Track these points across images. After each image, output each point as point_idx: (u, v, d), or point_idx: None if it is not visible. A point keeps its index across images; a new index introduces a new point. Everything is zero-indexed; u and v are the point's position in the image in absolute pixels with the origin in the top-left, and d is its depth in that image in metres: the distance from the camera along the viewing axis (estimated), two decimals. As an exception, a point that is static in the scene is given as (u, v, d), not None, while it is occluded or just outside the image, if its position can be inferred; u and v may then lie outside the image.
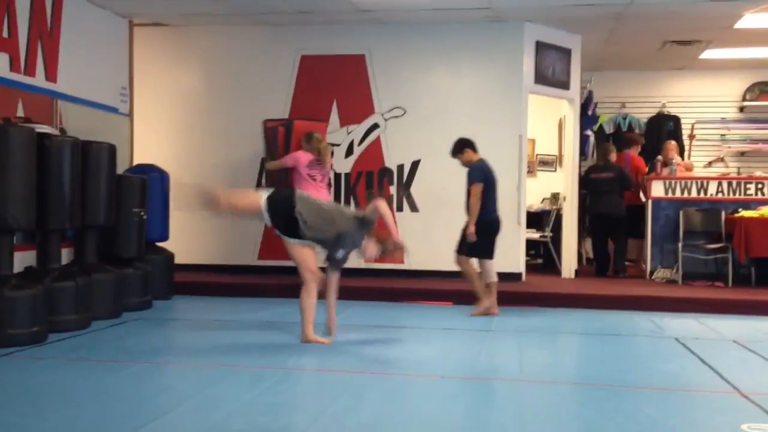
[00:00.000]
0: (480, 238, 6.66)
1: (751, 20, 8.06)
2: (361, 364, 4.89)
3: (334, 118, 8.77)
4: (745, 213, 8.21)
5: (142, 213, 6.93)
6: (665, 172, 9.29)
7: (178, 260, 7.78)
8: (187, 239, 8.37)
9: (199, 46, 9.03)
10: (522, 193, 8.45)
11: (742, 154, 10.91)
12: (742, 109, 10.98)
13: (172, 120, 9.04)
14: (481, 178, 6.72)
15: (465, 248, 6.76)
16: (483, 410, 3.84)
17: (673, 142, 9.79)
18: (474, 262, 6.86)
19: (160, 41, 8.99)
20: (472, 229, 6.66)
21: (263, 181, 8.76)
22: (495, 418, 3.67)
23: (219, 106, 8.94)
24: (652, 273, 8.78)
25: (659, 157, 9.56)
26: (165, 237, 7.60)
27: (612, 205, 9.05)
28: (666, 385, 4.38)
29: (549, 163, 11.12)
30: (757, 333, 6.17)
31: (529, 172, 10.01)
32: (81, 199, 6.03)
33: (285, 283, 7.92)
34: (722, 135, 11.00)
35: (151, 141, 8.80)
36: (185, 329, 6.40)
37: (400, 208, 8.64)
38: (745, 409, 3.80)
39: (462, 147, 6.88)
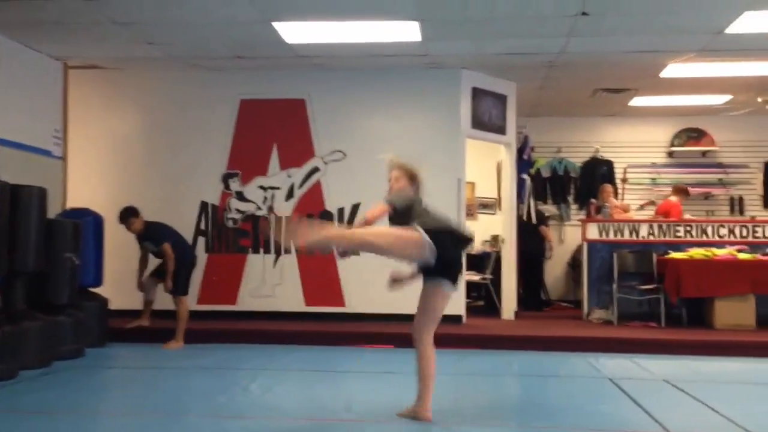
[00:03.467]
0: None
1: (675, 70, 8.44)
2: (296, 409, 4.83)
3: (274, 161, 8.78)
4: (675, 255, 8.47)
5: (75, 258, 6.76)
6: (600, 215, 9.56)
7: (113, 306, 7.60)
8: (123, 284, 8.18)
9: (136, 90, 8.97)
10: (461, 236, 8.52)
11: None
12: (671, 154, 11.41)
13: (107, 163, 8.90)
14: (168, 237, 7.36)
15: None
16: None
17: (609, 186, 10.10)
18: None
19: (96, 84, 8.90)
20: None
21: (203, 226, 8.68)
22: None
23: (156, 151, 8.85)
24: (588, 314, 8.94)
25: (593, 200, 9.83)
26: (99, 282, 7.44)
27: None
28: (599, 425, 4.44)
29: (489, 206, 11.31)
30: (687, 372, 6.33)
31: (469, 214, 10.18)
32: (9, 244, 5.86)
33: (225, 328, 7.84)
34: (653, 179, 11.40)
35: (86, 184, 8.64)
36: (117, 378, 6.22)
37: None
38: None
39: (128, 217, 7.34)
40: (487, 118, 8.98)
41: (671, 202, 9.85)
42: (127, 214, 7.34)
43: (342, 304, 8.54)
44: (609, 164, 11.32)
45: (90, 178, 8.74)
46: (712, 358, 6.99)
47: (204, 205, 8.74)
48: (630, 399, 5.14)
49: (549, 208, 11.27)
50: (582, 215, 10.64)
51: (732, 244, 8.69)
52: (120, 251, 7.96)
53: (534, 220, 10.31)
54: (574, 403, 5.13)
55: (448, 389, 5.49)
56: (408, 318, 8.07)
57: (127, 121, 8.99)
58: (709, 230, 8.90)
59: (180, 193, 8.73)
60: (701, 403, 5.02)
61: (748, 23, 6.66)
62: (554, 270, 11.27)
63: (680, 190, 9.97)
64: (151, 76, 8.89)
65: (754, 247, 8.64)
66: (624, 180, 11.27)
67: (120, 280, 8.05)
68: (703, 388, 5.50)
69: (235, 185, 8.79)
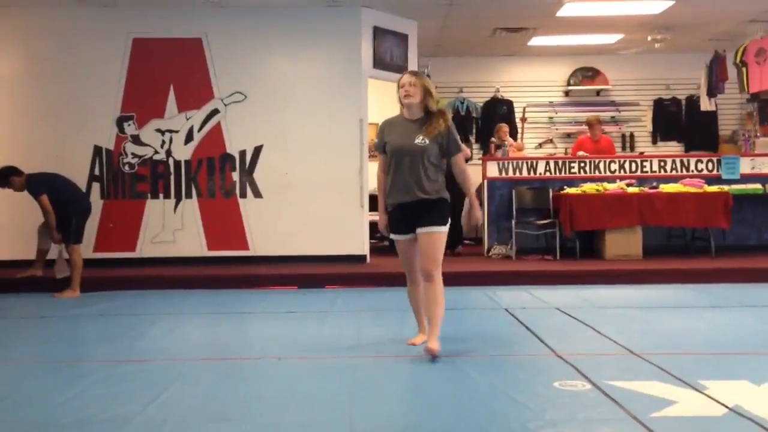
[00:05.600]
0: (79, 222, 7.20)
1: (571, 9, 8.62)
2: (197, 350, 4.82)
3: (172, 103, 8.51)
4: (569, 190, 8.79)
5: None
6: (499, 153, 9.78)
7: (2, 257, 7.30)
8: (11, 235, 7.88)
9: (20, 29, 8.46)
10: (364, 177, 8.59)
11: (569, 135, 11.67)
12: (567, 93, 11.74)
13: (-9, 107, 8.41)
14: (44, 189, 7.00)
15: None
16: (321, 387, 3.89)
17: (505, 125, 10.30)
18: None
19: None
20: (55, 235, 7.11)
21: (97, 172, 8.39)
22: (333, 393, 3.74)
23: (44, 94, 8.41)
24: (488, 250, 9.22)
25: (493, 139, 10.04)
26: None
27: None
28: (494, 352, 4.65)
29: (392, 147, 11.38)
30: (579, 300, 6.66)
31: (372, 155, 10.21)
32: None
33: (124, 275, 7.67)
34: (550, 118, 11.72)
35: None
36: (7, 328, 6.00)
37: (243, 195, 8.54)
38: (559, 368, 4.11)
39: (6, 178, 7.10)
40: (389, 57, 8.96)
41: (603, 137, 9.93)
42: (5, 176, 7.03)
43: (246, 247, 8.48)
44: (509, 104, 11.55)
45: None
46: (602, 286, 7.37)
47: (98, 150, 8.42)
48: (524, 327, 5.38)
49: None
50: (482, 155, 10.86)
51: (622, 179, 9.08)
52: (8, 200, 7.60)
53: None
54: (473, 333, 5.32)
55: (351, 325, 5.60)
56: (311, 259, 8.24)
57: (11, 62, 8.49)
58: (602, 166, 9.26)
59: (71, 138, 8.37)
60: (589, 327, 5.31)
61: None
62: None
63: (595, 122, 9.95)
64: (36, 14, 8.38)
65: (642, 181, 9.06)
66: (523, 119, 11.54)
67: (7, 231, 7.72)
68: (592, 314, 5.82)
69: (130, 129, 8.49)
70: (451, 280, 7.43)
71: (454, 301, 6.63)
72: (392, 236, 4.58)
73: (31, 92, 8.44)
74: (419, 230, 4.41)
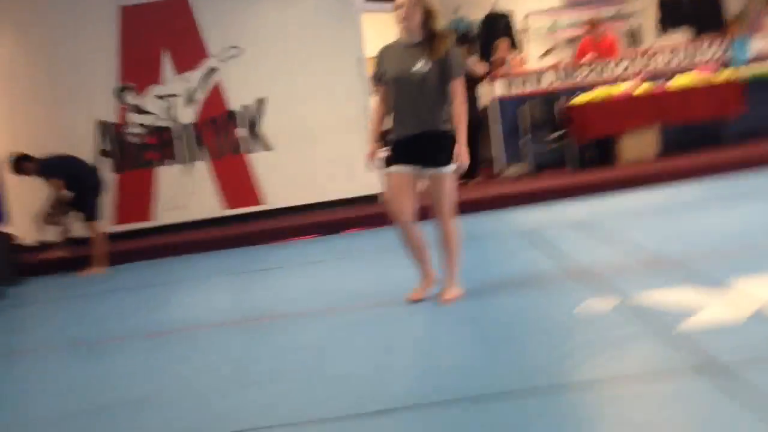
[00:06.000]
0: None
1: None
2: (223, 315, 4.89)
3: (168, 68, 8.41)
4: (577, 99, 8.61)
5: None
6: (502, 70, 9.58)
7: (27, 241, 7.40)
8: (30, 219, 7.93)
9: (9, 14, 8.32)
10: (369, 114, 8.46)
11: (573, 41, 11.35)
12: (567, -3, 11.36)
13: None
14: (58, 173, 6.98)
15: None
16: (351, 341, 3.94)
17: (504, 41, 10.02)
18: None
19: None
20: None
21: (103, 146, 8.39)
22: (366, 343, 3.79)
23: (39, 76, 8.30)
24: (502, 171, 9.14)
25: (494, 57, 9.81)
26: (3, 220, 7.18)
27: None
28: (516, 278, 4.65)
29: (395, 79, 11.18)
30: (597, 212, 6.58)
31: (375, 90, 10.06)
32: None
33: (145, 245, 7.76)
34: (552, 24, 11.39)
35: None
36: (37, 313, 6.08)
37: (252, 149, 8.50)
38: (585, 287, 4.11)
39: (19, 166, 7.05)
40: (380, -12, 8.72)
41: (606, 36, 9.52)
42: (18, 163, 7.05)
43: (261, 201, 8.50)
44: (508, 17, 11.23)
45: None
46: (621, 193, 7.22)
47: (101, 124, 8.39)
48: (544, 248, 5.36)
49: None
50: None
51: (633, 77, 8.82)
52: (21, 185, 7.64)
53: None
54: (491, 259, 5.33)
55: (378, 267, 5.63)
56: (327, 205, 8.23)
57: (3, 47, 8.40)
58: (609, 68, 9.04)
59: (73, 115, 8.32)
60: (611, 240, 5.28)
61: None
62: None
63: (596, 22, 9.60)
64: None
65: (653, 77, 8.81)
66: (524, 30, 11.23)
67: (28, 215, 7.79)
68: (613, 224, 5.78)
69: (131, 99, 8.43)
70: (468, 207, 7.45)
71: (472, 230, 6.63)
72: (387, 169, 4.13)
73: (27, 76, 8.36)
74: (429, 171, 4.06)
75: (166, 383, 3.55)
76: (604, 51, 9.32)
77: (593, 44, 9.54)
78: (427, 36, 3.99)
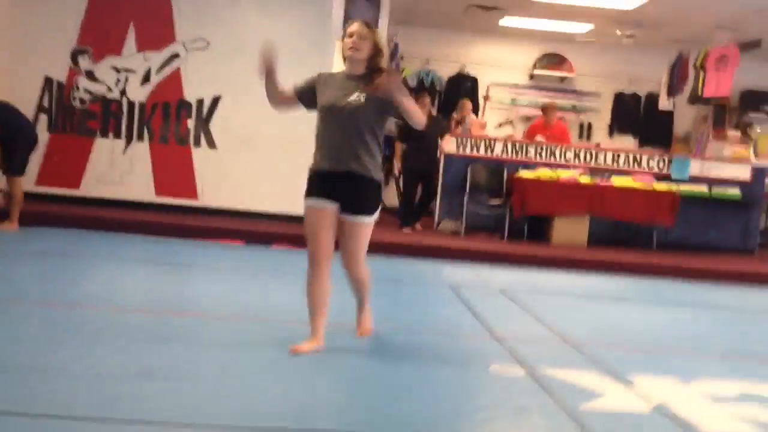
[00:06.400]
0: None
1: (545, -7, 8.61)
2: (135, 301, 4.74)
3: (131, 42, 8.25)
4: (523, 174, 8.86)
5: None
6: (459, 129, 9.77)
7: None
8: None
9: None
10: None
11: (528, 118, 11.73)
12: (532, 77, 11.78)
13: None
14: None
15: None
16: (253, 354, 3.86)
17: (468, 101, 10.28)
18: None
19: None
20: None
21: (46, 103, 8.11)
22: (263, 362, 3.72)
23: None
24: (438, 224, 9.26)
25: (454, 115, 10.02)
26: None
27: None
28: (430, 328, 4.69)
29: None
30: (522, 283, 6.75)
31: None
32: None
33: (67, 213, 7.49)
34: (513, 99, 11.76)
35: None
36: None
37: (197, 143, 8.37)
38: (496, 353, 4.16)
39: None
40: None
41: (557, 123, 9.89)
42: None
43: (194, 196, 8.34)
44: (474, 81, 11.56)
45: None
46: (547, 270, 7.46)
47: (48, 81, 8.13)
48: (465, 306, 5.43)
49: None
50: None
51: (576, 167, 9.18)
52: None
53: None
54: (412, 308, 5.35)
55: (294, 287, 5.56)
56: (259, 216, 8.14)
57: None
58: (557, 152, 9.35)
59: (21, 66, 8.05)
60: (530, 312, 5.39)
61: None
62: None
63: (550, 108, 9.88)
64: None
65: (595, 171, 9.17)
66: (486, 98, 11.55)
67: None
68: (534, 299, 5.90)
69: (84, 63, 8.21)
70: (396, 250, 7.53)
71: (398, 272, 6.69)
72: (306, 202, 3.74)
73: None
74: (345, 217, 3.70)
75: (67, 358, 3.39)
76: (553, 137, 9.66)
77: (544, 128, 9.87)
78: (369, 70, 3.71)
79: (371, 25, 3.83)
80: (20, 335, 3.68)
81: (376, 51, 3.74)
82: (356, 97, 3.66)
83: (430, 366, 3.82)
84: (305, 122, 8.20)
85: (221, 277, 5.86)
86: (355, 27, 3.73)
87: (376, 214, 3.79)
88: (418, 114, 3.65)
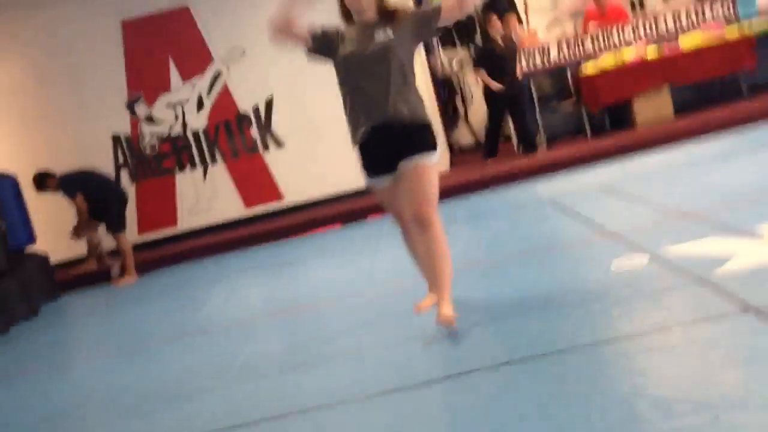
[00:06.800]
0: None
1: None
2: (258, 308, 4.93)
3: (175, 75, 8.49)
4: (587, 67, 8.56)
5: (0, 224, 6.57)
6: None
7: (57, 258, 7.50)
8: (59, 236, 7.99)
9: (13, 36, 8.42)
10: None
11: (576, 13, 11.27)
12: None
13: (4, 121, 8.48)
14: (77, 188, 7.09)
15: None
16: (384, 328, 3.96)
17: (511, 16, 9.97)
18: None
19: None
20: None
21: (121, 159, 8.47)
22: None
23: (50, 96, 8.45)
24: (518, 147, 9.11)
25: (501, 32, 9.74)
26: (31, 240, 7.28)
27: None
28: (545, 245, 4.66)
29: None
30: (618, 175, 6.57)
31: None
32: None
33: (173, 252, 7.83)
34: (554, -2, 11.31)
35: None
36: (75, 327, 6.22)
37: (266, 147, 8.56)
38: (615, 247, 4.10)
39: (42, 184, 7.15)
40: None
41: (611, 5, 9.28)
42: (40, 181, 7.15)
43: (280, 197, 8.55)
44: (509, -6, 11.17)
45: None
46: (640, 155, 7.22)
47: (116, 139, 8.48)
48: (570, 214, 5.35)
49: (458, 52, 11.18)
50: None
51: (639, 41, 8.77)
52: (44, 205, 7.73)
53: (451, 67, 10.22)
54: (519, 231, 5.32)
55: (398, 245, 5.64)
56: (347, 196, 8.25)
57: (11, 71, 8.50)
58: (615, 34, 8.98)
59: (87, 132, 8.43)
60: (635, 200, 5.26)
61: None
62: (479, 112, 11.35)
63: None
64: (26, 18, 8.33)
65: (660, 40, 8.75)
66: (526, 6, 11.16)
67: (54, 233, 7.89)
68: (636, 185, 5.77)
69: (141, 110, 8.52)
70: (486, 184, 7.49)
71: (492, 203, 6.66)
72: (366, 181, 3.45)
73: (38, 97, 8.47)
74: (404, 164, 3.26)
75: (214, 376, 3.59)
76: (611, 17, 9.24)
77: (599, 15, 9.45)
78: (382, 15, 3.31)
79: None
80: (166, 369, 3.90)
81: None
82: (382, 35, 3.25)
83: (553, 275, 3.81)
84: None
85: (329, 262, 6.00)
86: None
87: (438, 154, 3.35)
88: (459, 4, 3.23)
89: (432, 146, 3.30)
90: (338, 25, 3.38)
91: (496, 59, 8.45)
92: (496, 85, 8.35)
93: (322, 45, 3.31)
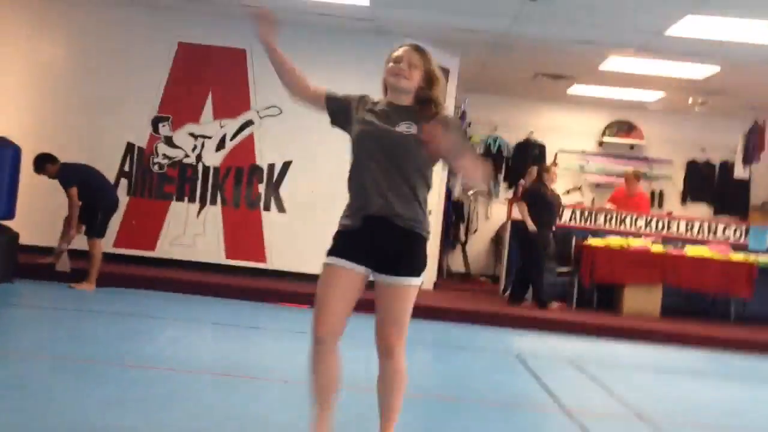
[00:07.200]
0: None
1: (614, 63, 8.61)
2: (205, 363, 4.81)
3: (208, 110, 8.59)
4: (592, 241, 8.71)
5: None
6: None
7: (24, 241, 7.36)
8: (35, 219, 7.90)
9: (70, 22, 8.58)
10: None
11: (598, 185, 11.60)
12: (600, 144, 11.69)
13: (31, 94, 8.52)
14: (74, 181, 7.02)
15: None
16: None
17: (536, 168, 10.24)
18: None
19: (23, 10, 8.51)
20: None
21: (127, 168, 8.47)
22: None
23: (83, 84, 8.49)
24: (504, 290, 9.14)
25: (522, 181, 10.00)
26: (11, 215, 7.16)
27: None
28: (498, 398, 4.58)
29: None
30: (592, 353, 6.57)
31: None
32: None
33: (141, 274, 7.71)
34: (581, 166, 11.66)
35: (6, 114, 8.28)
36: (20, 317, 6.06)
37: (267, 208, 8.57)
38: (565, 427, 4.03)
39: (42, 165, 7.11)
40: (428, 89, 8.95)
41: (639, 191, 9.67)
42: (41, 162, 7.08)
43: (263, 259, 8.48)
44: (541, 147, 11.52)
45: (10, 107, 8.38)
46: (617, 341, 7.25)
47: (130, 147, 8.49)
48: (532, 375, 5.31)
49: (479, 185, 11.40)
50: (510, 194, 10.82)
51: (648, 236, 8.99)
52: (36, 185, 7.66)
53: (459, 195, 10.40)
54: (477, 376, 5.26)
55: (358, 359, 5.55)
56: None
57: (56, 52, 8.60)
58: (628, 221, 9.19)
59: (105, 130, 8.44)
60: (600, 386, 5.22)
61: (689, 27, 6.82)
62: (478, 245, 11.47)
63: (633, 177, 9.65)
64: (86, 9, 8.50)
65: (668, 240, 8.96)
66: (554, 164, 11.47)
67: (33, 215, 7.79)
68: (605, 371, 5.73)
69: (164, 130, 8.57)
70: (462, 317, 7.46)
71: (463, 341, 6.61)
72: (327, 260, 2.97)
73: (74, 84, 8.54)
74: (386, 279, 2.92)
75: (138, 419, 3.45)
76: (634, 205, 9.49)
77: (625, 197, 9.71)
78: (419, 100, 2.99)
79: (423, 49, 3.04)
80: (92, 395, 3.76)
81: (431, 80, 2.98)
82: (406, 126, 2.92)
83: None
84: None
85: (289, 339, 5.90)
86: (403, 52, 3.00)
87: (422, 276, 3.00)
88: (478, 172, 2.95)
89: (422, 267, 2.98)
90: (363, 95, 3.11)
91: (542, 203, 8.42)
92: (531, 225, 8.31)
93: (338, 111, 3.08)
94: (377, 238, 2.90)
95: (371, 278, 2.95)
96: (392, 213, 2.89)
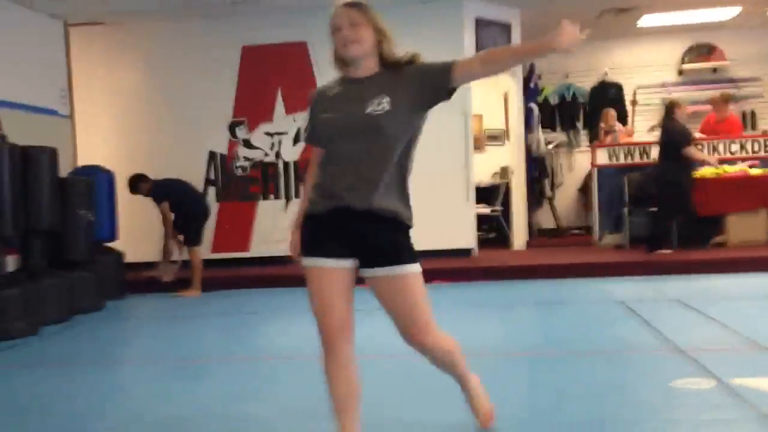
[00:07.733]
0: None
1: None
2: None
3: (279, 107, 8.77)
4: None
5: (89, 215, 6.87)
6: (608, 139, 9.48)
7: (129, 259, 7.76)
8: (137, 237, 8.29)
9: (137, 44, 8.93)
10: (470, 171, 8.55)
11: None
12: (681, 73, 11.22)
13: (114, 119, 8.94)
14: (165, 196, 7.31)
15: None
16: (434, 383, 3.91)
17: (612, 110, 9.96)
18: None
19: (99, 40, 8.89)
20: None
21: (212, 176, 8.77)
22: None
23: (161, 103, 8.86)
24: (600, 238, 8.97)
25: (602, 125, 9.74)
26: (113, 237, 7.57)
27: None
28: (609, 348, 4.52)
29: (497, 138, 11.22)
30: (699, 291, 6.36)
31: (477, 147, 10.14)
32: (23, 205, 5.98)
33: (240, 275, 7.99)
34: (663, 99, 11.22)
35: (95, 141, 8.71)
36: (136, 328, 6.41)
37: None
38: (681, 365, 3.94)
39: (135, 185, 7.39)
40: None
41: (731, 116, 9.24)
42: (135, 183, 7.43)
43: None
44: (618, 87, 11.15)
45: (98, 135, 8.81)
46: (725, 275, 7.01)
47: (212, 155, 8.79)
48: (641, 320, 5.20)
49: (557, 136, 11.17)
50: (591, 142, 10.55)
51: (744, 160, 8.59)
52: (132, 205, 8.04)
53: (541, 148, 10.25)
54: (586, 329, 5.19)
55: (462, 322, 5.59)
56: (424, 254, 8.23)
57: (131, 75, 8.98)
58: (721, 147, 8.81)
59: (187, 144, 8.77)
60: (713, 319, 5.07)
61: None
62: (565, 198, 11.26)
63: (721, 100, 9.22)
64: (150, 28, 8.84)
65: (766, 161, 8.54)
66: (633, 102, 11.12)
67: (134, 233, 8.18)
68: (715, 306, 5.56)
69: (241, 133, 8.82)
70: (560, 272, 7.36)
71: (565, 296, 6.53)
72: (304, 261, 2.62)
73: (150, 102, 8.90)
74: (380, 272, 2.56)
75: (255, 406, 3.61)
76: (725, 130, 9.07)
77: (716, 123, 9.30)
78: (385, 66, 2.64)
79: (361, 4, 2.65)
80: (211, 388, 3.95)
81: (381, 34, 2.61)
82: (378, 104, 2.54)
83: (612, 381, 3.69)
84: (452, 159, 8.36)
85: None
86: (339, 17, 2.60)
87: (418, 261, 2.62)
88: (483, 60, 2.64)
89: (413, 254, 2.61)
90: (312, 91, 2.79)
91: (686, 141, 7.93)
92: (714, 159, 8.11)
93: (310, 136, 2.72)
94: (354, 230, 2.55)
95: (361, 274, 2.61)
96: (369, 202, 2.52)
